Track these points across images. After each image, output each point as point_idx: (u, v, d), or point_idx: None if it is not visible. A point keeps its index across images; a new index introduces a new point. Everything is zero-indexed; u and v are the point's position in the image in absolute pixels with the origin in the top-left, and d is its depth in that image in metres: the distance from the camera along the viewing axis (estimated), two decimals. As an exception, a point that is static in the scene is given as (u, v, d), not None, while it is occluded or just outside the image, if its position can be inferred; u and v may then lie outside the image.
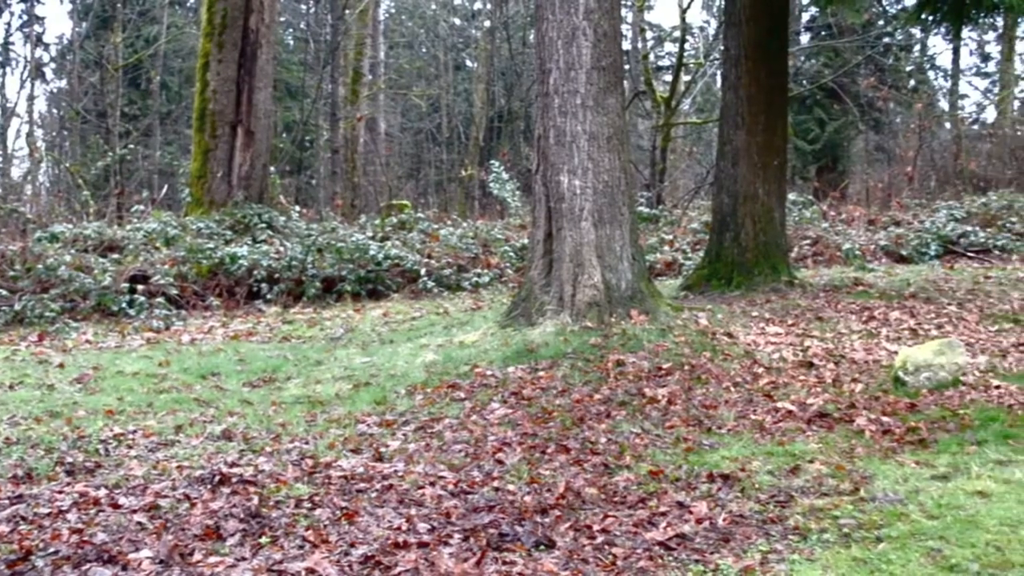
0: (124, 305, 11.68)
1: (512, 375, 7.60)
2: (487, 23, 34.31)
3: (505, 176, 19.43)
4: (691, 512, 4.83)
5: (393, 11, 40.23)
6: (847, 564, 4.15)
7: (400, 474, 5.46)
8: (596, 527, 4.65)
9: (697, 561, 4.27)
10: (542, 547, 4.42)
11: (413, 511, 4.86)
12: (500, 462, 5.69)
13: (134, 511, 4.82)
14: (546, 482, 5.32)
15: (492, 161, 21.85)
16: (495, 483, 5.31)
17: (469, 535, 4.55)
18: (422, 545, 4.42)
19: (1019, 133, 28.69)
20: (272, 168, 18.42)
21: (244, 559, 4.29)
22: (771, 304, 10.37)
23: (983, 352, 8.36)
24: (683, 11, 24.17)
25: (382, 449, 5.98)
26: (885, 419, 6.52)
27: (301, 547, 4.42)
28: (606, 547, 4.42)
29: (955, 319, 9.73)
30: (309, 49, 31.60)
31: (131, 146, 23.87)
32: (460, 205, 27.22)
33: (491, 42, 31.74)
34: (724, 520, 4.73)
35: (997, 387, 7.23)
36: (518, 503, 4.96)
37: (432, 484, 5.28)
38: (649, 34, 32.25)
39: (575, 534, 4.58)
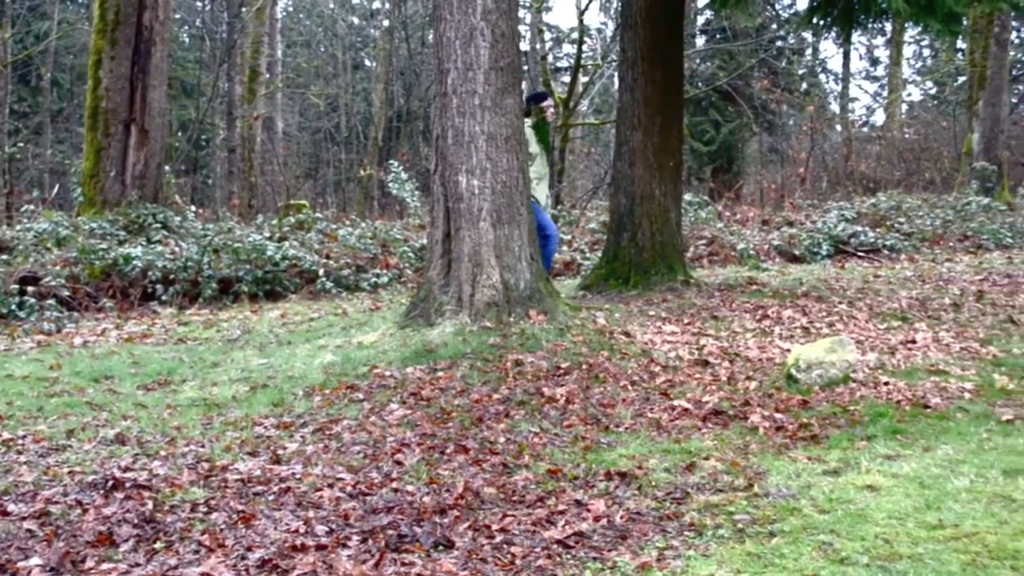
0: (14, 307, 11.38)
1: (411, 376, 7.58)
2: (386, 22, 34.21)
3: (404, 176, 19.36)
4: (589, 510, 4.87)
5: (291, 9, 39.95)
6: (741, 559, 4.22)
7: (298, 476, 5.42)
8: (495, 526, 4.66)
9: (595, 559, 4.30)
10: (441, 547, 4.42)
11: (311, 513, 4.83)
12: (399, 463, 5.68)
13: (23, 518, 4.71)
14: (445, 482, 5.32)
15: (391, 161, 21.77)
16: (394, 484, 5.30)
17: (368, 537, 4.53)
18: (320, 548, 4.40)
19: (907, 136, 29.46)
20: (167, 167, 18.11)
21: (138, 565, 4.22)
22: (668, 303, 10.49)
23: (872, 349, 8.56)
24: (581, 13, 24.31)
25: (280, 451, 5.93)
26: (778, 416, 6.64)
27: (197, 552, 4.36)
28: (505, 546, 4.43)
29: (846, 317, 9.94)
30: (205, 47, 31.18)
31: (21, 144, 23.32)
32: (359, 205, 27.10)
33: (390, 42, 31.64)
34: (621, 518, 4.78)
35: (886, 383, 7.41)
36: (417, 504, 4.96)
37: (330, 486, 5.25)
38: (547, 35, 32.45)
39: (474, 534, 4.59)
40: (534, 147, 10.37)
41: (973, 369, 7.93)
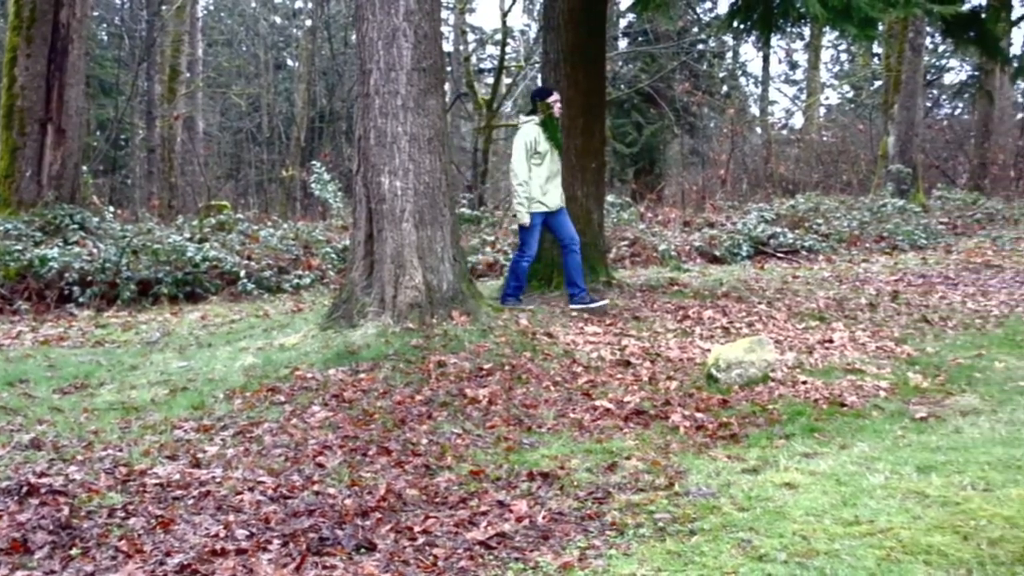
0: (-76, 310, 11.16)
1: (333, 377, 7.54)
2: (308, 22, 34.01)
3: (327, 177, 19.25)
4: (511, 511, 4.88)
5: (212, 8, 39.51)
6: (662, 557, 4.25)
7: (218, 480, 5.36)
8: (417, 528, 4.65)
9: (517, 559, 4.31)
10: (363, 550, 4.41)
11: (231, 517, 4.78)
12: (321, 465, 5.65)
13: (-65, 525, 4.61)
14: (367, 484, 5.30)
15: (314, 162, 21.64)
16: (315, 487, 5.27)
17: (289, 540, 4.50)
18: (240, 552, 4.36)
19: (825, 139, 29.89)
20: (85, 167, 17.81)
21: (53, 572, 4.15)
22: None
23: (791, 349, 8.69)
24: (504, 14, 24.40)
25: (199, 455, 5.86)
26: (699, 415, 6.71)
27: (114, 558, 4.30)
28: (427, 548, 4.43)
29: (765, 317, 10.08)
30: (124, 45, 30.70)
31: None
32: (281, 206, 26.90)
33: (312, 41, 31.45)
34: (544, 518, 4.79)
35: (804, 382, 7.52)
36: (339, 506, 4.93)
37: (251, 489, 5.20)
38: (471, 36, 32.43)
39: (396, 536, 4.58)
40: (543, 145, 10.11)
41: (888, 368, 8.08)
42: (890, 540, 4.27)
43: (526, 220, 10.05)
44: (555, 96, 10.37)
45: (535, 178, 10.04)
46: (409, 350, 7.98)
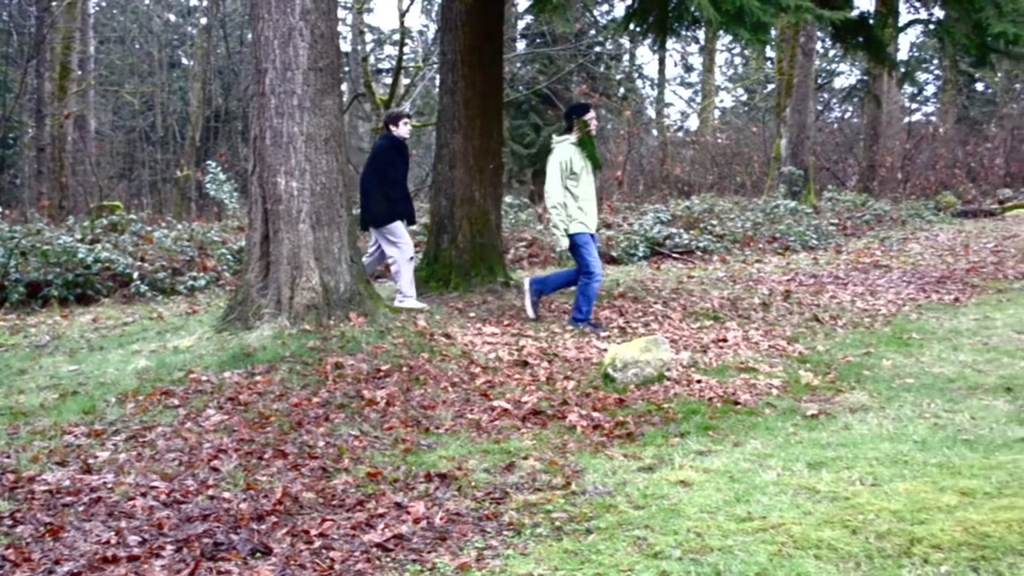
0: None
1: (228, 380, 7.45)
2: (203, 20, 33.52)
3: (222, 177, 19.00)
4: (409, 512, 4.88)
5: (104, 4, 38.70)
6: (559, 556, 4.29)
7: (110, 486, 5.27)
8: (314, 532, 4.63)
9: (415, 561, 4.31)
10: (258, 554, 4.37)
11: (123, 523, 4.71)
12: (215, 469, 5.58)
13: None
14: (263, 488, 5.25)
15: (209, 161, 21.36)
16: (210, 491, 5.20)
17: (182, 546, 4.44)
18: (132, 559, 4.29)
19: (719, 141, 30.31)
20: (-30, 167, 17.36)
21: (-63, 582, 4.05)
22: (488, 305, 10.58)
23: (686, 348, 8.81)
24: (402, 15, 24.31)
25: (90, 460, 5.76)
26: (595, 415, 6.77)
27: (1, 567, 4.20)
28: (324, 551, 4.41)
29: (660, 317, 10.20)
30: (12, 41, 29.96)
31: None
32: (176, 206, 26.48)
33: (208, 40, 31.02)
34: (441, 519, 4.80)
35: (698, 381, 7.63)
36: (234, 511, 4.88)
37: (144, 495, 5.12)
38: (369, 36, 32.30)
39: (292, 540, 4.55)
40: (579, 164, 9.50)
41: (780, 366, 8.24)
42: (782, 535, 4.35)
43: (564, 244, 9.46)
44: (592, 113, 9.76)
45: (572, 200, 9.44)
46: (306, 352, 7.92)
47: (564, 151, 9.51)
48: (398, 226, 10.36)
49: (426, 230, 14.52)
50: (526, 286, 10.01)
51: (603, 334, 9.30)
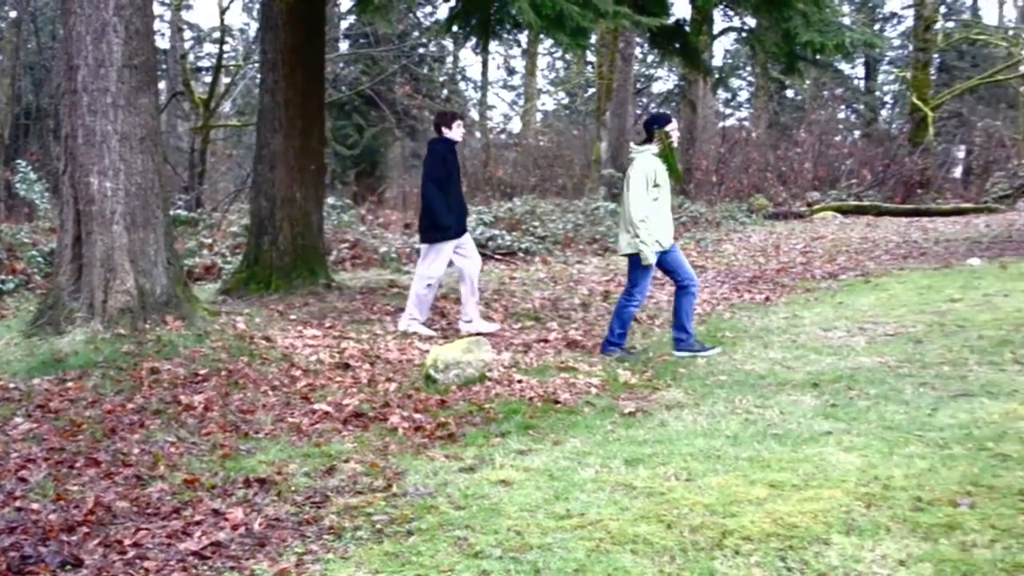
0: None
1: (37, 387, 7.20)
2: (13, 13, 32.23)
3: (33, 176, 18.31)
4: (227, 519, 4.79)
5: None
6: (380, 559, 4.28)
7: (-92, 499, 5.04)
8: (127, 541, 4.51)
9: (232, 568, 4.24)
10: (69, 567, 4.23)
11: (-77, 538, 4.51)
12: (23, 480, 5.38)
13: None
14: (74, 498, 5.09)
15: (19, 160, 20.54)
16: (17, 502, 5.01)
17: (-13, 559, 4.28)
18: (-67, 574, 4.12)
19: (542, 143, 30.65)
20: None
21: None
22: (309, 307, 10.49)
23: (507, 349, 8.90)
24: (222, 12, 23.90)
25: None
26: (417, 416, 6.77)
27: None
28: (138, 561, 4.30)
29: (482, 318, 10.26)
30: None
31: None
32: (-18, 207, 25.42)
33: (17, 34, 29.85)
34: (260, 525, 4.73)
35: (519, 381, 7.71)
36: (43, 522, 4.72)
37: (-55, 508, 4.92)
38: (188, 34, 31.62)
39: (105, 550, 4.42)
40: (662, 176, 8.85)
41: (599, 365, 8.39)
42: (599, 531, 4.44)
43: (653, 259, 8.77)
44: (674, 123, 9.13)
45: (655, 214, 8.82)
46: (120, 357, 7.71)
47: (647, 162, 8.84)
48: (448, 247, 9.69)
49: (247, 231, 14.30)
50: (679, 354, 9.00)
51: (635, 358, 8.80)
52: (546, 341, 9.31)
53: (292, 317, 9.90)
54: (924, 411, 6.44)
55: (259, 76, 12.64)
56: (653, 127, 8.98)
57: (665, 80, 41.85)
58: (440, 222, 9.48)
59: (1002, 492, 4.72)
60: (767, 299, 11.88)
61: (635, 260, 8.88)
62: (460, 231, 9.70)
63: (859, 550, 4.13)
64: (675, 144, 9.02)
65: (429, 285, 9.67)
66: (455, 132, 9.74)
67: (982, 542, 4.16)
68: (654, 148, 8.90)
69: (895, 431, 5.97)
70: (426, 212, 9.59)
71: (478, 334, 9.04)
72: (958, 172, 34.11)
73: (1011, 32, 37.87)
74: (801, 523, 4.41)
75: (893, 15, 44.31)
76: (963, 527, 4.31)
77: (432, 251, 9.65)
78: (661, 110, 9.48)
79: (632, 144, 9.40)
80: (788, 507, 4.61)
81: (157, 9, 27.47)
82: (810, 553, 4.12)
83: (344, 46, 32.44)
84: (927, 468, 5.17)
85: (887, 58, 44.26)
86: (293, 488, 5.28)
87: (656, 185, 8.75)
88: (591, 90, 34.61)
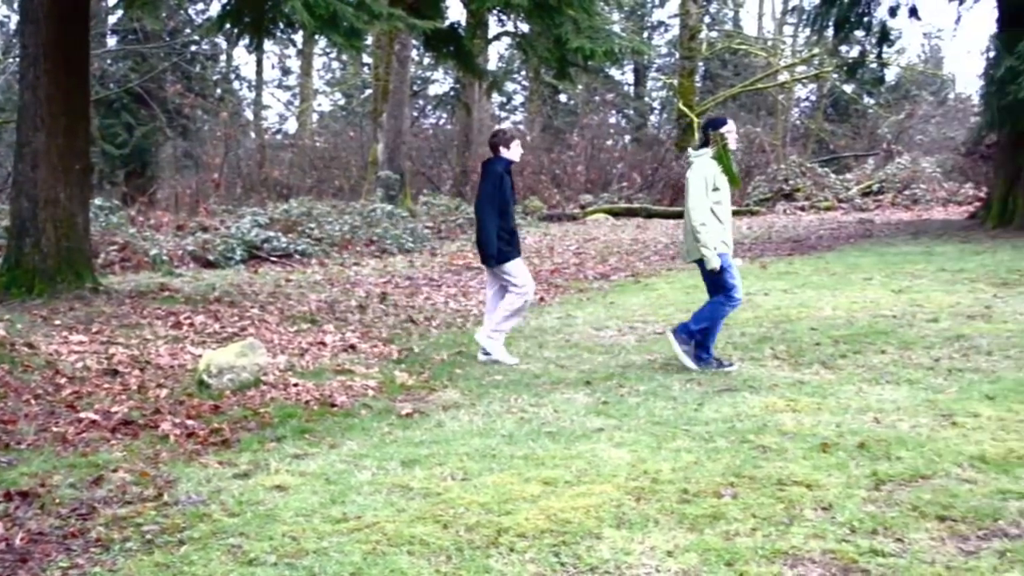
0: None
1: None
2: None
3: None
4: (-14, 534, 4.60)
5: None
6: (150, 570, 4.17)
7: None
8: None
9: (-9, 586, 4.08)
10: None
11: None
12: None
13: None
14: None
15: None
16: None
17: None
18: None
19: (318, 144, 30.45)
20: None
21: None
22: (75, 312, 10.12)
23: (283, 352, 8.80)
24: (-22, 3, 22.74)
25: None
26: (190, 422, 6.62)
27: None
28: None
29: (258, 321, 10.14)
30: None
31: None
32: None
33: None
34: (22, 539, 4.54)
35: (295, 385, 7.65)
36: None
37: None
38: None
39: None
40: (721, 179, 8.37)
41: (377, 367, 8.41)
42: (376, 534, 4.46)
43: (716, 264, 8.23)
44: (730, 125, 8.65)
45: (714, 218, 8.35)
46: None
47: (706, 165, 8.40)
48: (519, 263, 9.07)
49: (7, 233, 13.68)
50: (671, 338, 8.61)
51: (730, 369, 8.25)
52: (322, 344, 9.25)
53: (56, 322, 9.52)
54: (691, 406, 6.73)
55: (19, 71, 12.09)
56: (709, 130, 8.63)
57: (441, 83, 42.19)
58: (489, 250, 8.91)
59: (762, 482, 4.98)
60: (541, 300, 12.12)
61: (704, 265, 8.50)
62: (517, 252, 9.13)
63: (629, 543, 4.27)
64: (732, 146, 8.63)
65: (523, 298, 9.07)
66: (513, 152, 9.16)
67: (744, 530, 4.38)
68: (711, 151, 8.50)
69: (663, 426, 6.21)
70: (485, 236, 9.01)
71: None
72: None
73: (769, 43, 39.82)
74: (574, 518, 4.54)
75: (660, 23, 46.01)
76: (727, 517, 4.52)
77: (505, 271, 9.02)
78: (718, 113, 8.94)
79: (690, 149, 9.08)
80: (561, 503, 4.74)
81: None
82: (583, 547, 4.24)
83: (112, 41, 31.38)
84: (693, 461, 5.39)
85: (655, 65, 45.88)
86: (58, 500, 5.09)
87: (716, 188, 8.37)
88: (368, 91, 34.52)
